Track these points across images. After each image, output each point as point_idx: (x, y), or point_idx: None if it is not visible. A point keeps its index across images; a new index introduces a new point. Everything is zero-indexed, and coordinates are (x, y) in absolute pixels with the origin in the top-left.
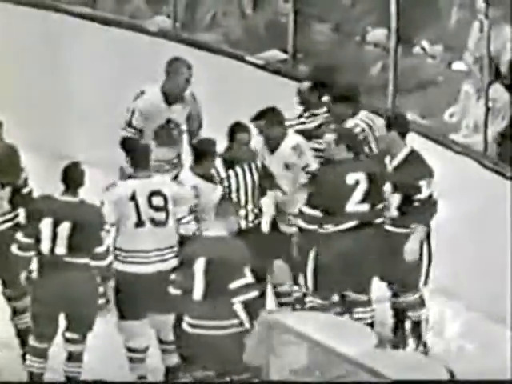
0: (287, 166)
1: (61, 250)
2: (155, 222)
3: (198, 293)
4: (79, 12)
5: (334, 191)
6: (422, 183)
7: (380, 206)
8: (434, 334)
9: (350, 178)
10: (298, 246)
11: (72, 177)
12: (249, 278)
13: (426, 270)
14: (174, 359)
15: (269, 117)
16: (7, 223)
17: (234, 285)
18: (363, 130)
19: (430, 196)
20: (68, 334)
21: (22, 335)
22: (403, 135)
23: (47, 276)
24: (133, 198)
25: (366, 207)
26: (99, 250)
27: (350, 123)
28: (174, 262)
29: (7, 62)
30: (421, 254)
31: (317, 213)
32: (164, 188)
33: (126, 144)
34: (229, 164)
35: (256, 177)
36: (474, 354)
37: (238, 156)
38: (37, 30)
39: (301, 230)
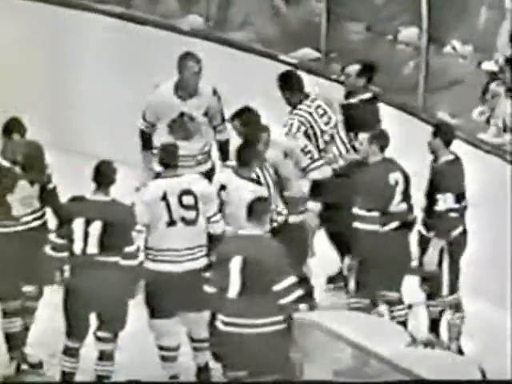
0: (286, 154)
1: (92, 249)
2: (186, 221)
3: (233, 291)
4: (113, 11)
5: (380, 191)
6: (439, 196)
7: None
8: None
9: (392, 178)
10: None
11: (103, 175)
12: (292, 277)
13: (448, 280)
14: (206, 357)
15: (244, 116)
16: (38, 220)
17: (279, 286)
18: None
19: (451, 211)
20: (100, 333)
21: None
22: (448, 143)
23: (79, 275)
24: (164, 197)
25: (404, 207)
26: (129, 249)
27: None
28: (204, 261)
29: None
30: (440, 265)
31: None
32: (194, 186)
33: (141, 136)
34: None
35: (272, 178)
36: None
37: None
38: (70, 31)
39: (358, 231)
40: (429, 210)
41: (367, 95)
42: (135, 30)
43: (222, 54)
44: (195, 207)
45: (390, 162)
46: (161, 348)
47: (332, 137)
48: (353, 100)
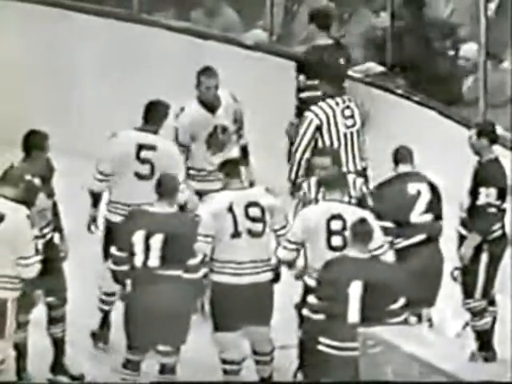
0: None
1: (154, 262)
2: (252, 233)
3: (353, 316)
4: (169, 24)
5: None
6: (482, 190)
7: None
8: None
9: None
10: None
11: (165, 187)
12: (404, 298)
13: (483, 282)
14: (269, 371)
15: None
16: (51, 233)
17: (392, 307)
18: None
19: (491, 206)
20: (161, 347)
21: (57, 344)
22: (492, 142)
23: (140, 289)
24: (230, 209)
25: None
26: (192, 262)
27: None
28: (269, 275)
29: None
30: (477, 263)
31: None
32: (261, 199)
33: None
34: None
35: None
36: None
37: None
38: (129, 46)
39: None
40: (470, 208)
41: None
42: (195, 44)
43: (286, 68)
44: (262, 219)
45: (410, 173)
46: (224, 361)
47: (352, 141)
48: None
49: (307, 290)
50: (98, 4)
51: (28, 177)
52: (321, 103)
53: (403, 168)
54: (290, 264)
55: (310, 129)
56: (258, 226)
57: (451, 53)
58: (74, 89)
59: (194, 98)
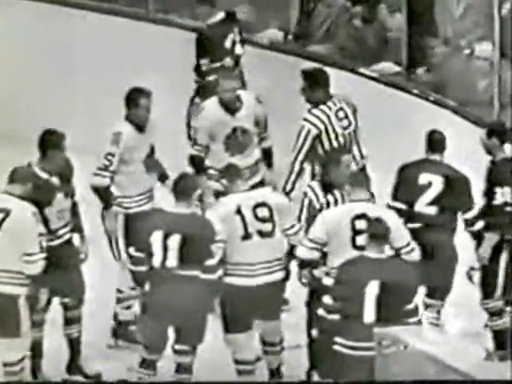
0: None
1: (171, 262)
2: (262, 234)
3: (369, 316)
4: (186, 24)
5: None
6: (497, 189)
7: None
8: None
9: (423, 179)
10: None
11: (183, 188)
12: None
13: (502, 279)
14: (277, 362)
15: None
16: (69, 234)
17: (408, 307)
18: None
19: (508, 205)
20: (177, 346)
21: (73, 344)
22: (503, 142)
23: (158, 288)
24: (238, 211)
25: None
26: (210, 262)
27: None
28: (281, 274)
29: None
30: (497, 263)
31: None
32: (268, 199)
33: (193, 161)
34: (327, 188)
35: None
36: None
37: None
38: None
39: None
40: (486, 208)
41: None
42: None
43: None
44: (271, 219)
45: (431, 162)
46: (237, 362)
47: (350, 141)
48: None
49: (320, 289)
50: (112, 3)
51: (45, 176)
52: (314, 110)
53: (431, 155)
54: (310, 263)
55: (308, 139)
56: (268, 226)
57: (467, 52)
58: (83, 87)
59: (215, 98)
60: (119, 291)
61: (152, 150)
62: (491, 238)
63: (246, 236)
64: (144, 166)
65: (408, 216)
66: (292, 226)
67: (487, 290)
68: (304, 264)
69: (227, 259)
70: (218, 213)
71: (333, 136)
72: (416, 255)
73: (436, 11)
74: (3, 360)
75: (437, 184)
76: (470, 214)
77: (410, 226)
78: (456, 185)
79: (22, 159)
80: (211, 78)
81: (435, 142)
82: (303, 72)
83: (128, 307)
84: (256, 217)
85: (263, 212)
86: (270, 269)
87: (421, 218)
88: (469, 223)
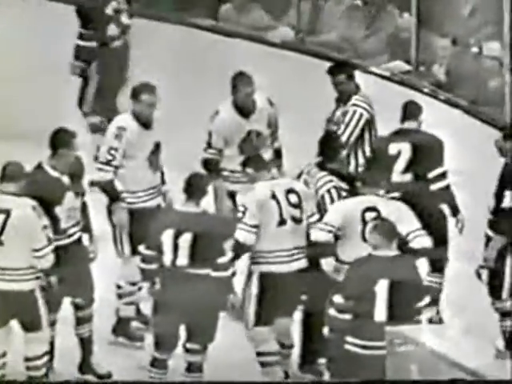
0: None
1: (182, 261)
2: (295, 220)
3: (380, 315)
4: (202, 24)
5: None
6: (507, 193)
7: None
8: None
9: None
10: None
11: (195, 187)
12: (428, 296)
13: (509, 281)
14: (286, 366)
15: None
16: (79, 233)
17: (419, 304)
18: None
19: None
20: (189, 345)
21: (85, 343)
22: None
23: (169, 287)
24: (274, 196)
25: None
26: (221, 260)
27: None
28: (305, 262)
29: None
30: (503, 265)
31: None
32: (295, 186)
33: (207, 165)
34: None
35: None
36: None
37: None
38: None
39: None
40: (495, 210)
41: None
42: (223, 43)
43: (312, 66)
44: (300, 205)
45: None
46: (262, 354)
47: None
48: None
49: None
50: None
51: (56, 174)
52: (360, 97)
53: (407, 124)
54: (325, 249)
55: (360, 123)
56: (298, 212)
57: (475, 50)
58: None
59: (230, 101)
60: (119, 287)
61: (157, 147)
62: (497, 241)
63: (282, 222)
64: (148, 163)
65: (387, 188)
66: (312, 214)
67: (495, 291)
68: (321, 251)
69: (262, 247)
70: (256, 197)
71: (377, 125)
72: (426, 242)
73: (446, 10)
74: (26, 355)
75: (405, 151)
76: (433, 173)
77: (390, 196)
78: (425, 149)
79: (21, 158)
80: (93, 44)
81: (409, 110)
82: (336, 66)
83: (129, 303)
84: (289, 202)
85: (294, 198)
86: (301, 255)
87: (399, 187)
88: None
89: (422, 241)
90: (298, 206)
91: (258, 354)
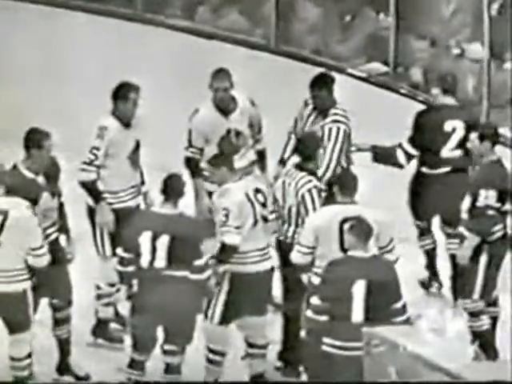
0: None
1: (160, 263)
2: (265, 219)
3: (357, 316)
4: (173, 24)
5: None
6: (481, 192)
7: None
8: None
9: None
10: None
11: (172, 188)
12: (403, 299)
13: (481, 283)
14: (263, 366)
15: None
16: (55, 234)
17: (395, 306)
18: None
19: (491, 208)
20: (166, 347)
21: (63, 345)
22: (493, 144)
23: (146, 289)
24: (248, 197)
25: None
26: (198, 262)
27: None
28: (272, 262)
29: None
30: (477, 263)
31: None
32: (260, 185)
33: (188, 164)
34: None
35: None
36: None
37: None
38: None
39: None
40: (470, 209)
41: None
42: (199, 44)
43: (288, 68)
44: (266, 204)
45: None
46: (252, 345)
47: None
48: None
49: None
50: (102, 3)
51: (31, 175)
52: (339, 111)
53: (445, 99)
54: (304, 268)
55: (344, 138)
56: (266, 211)
57: (456, 52)
58: (77, 89)
59: (210, 99)
60: (98, 287)
61: (137, 145)
62: (472, 240)
63: (256, 222)
64: (129, 162)
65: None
66: (273, 211)
67: (466, 290)
68: (300, 271)
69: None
70: (236, 199)
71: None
72: (393, 256)
73: (425, 11)
74: (11, 355)
75: (459, 129)
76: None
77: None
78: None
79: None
80: None
81: (452, 84)
82: (319, 78)
83: (108, 304)
84: (258, 202)
85: (261, 197)
86: (268, 254)
87: (447, 161)
88: None
89: (390, 256)
90: (264, 204)
91: (210, 350)
